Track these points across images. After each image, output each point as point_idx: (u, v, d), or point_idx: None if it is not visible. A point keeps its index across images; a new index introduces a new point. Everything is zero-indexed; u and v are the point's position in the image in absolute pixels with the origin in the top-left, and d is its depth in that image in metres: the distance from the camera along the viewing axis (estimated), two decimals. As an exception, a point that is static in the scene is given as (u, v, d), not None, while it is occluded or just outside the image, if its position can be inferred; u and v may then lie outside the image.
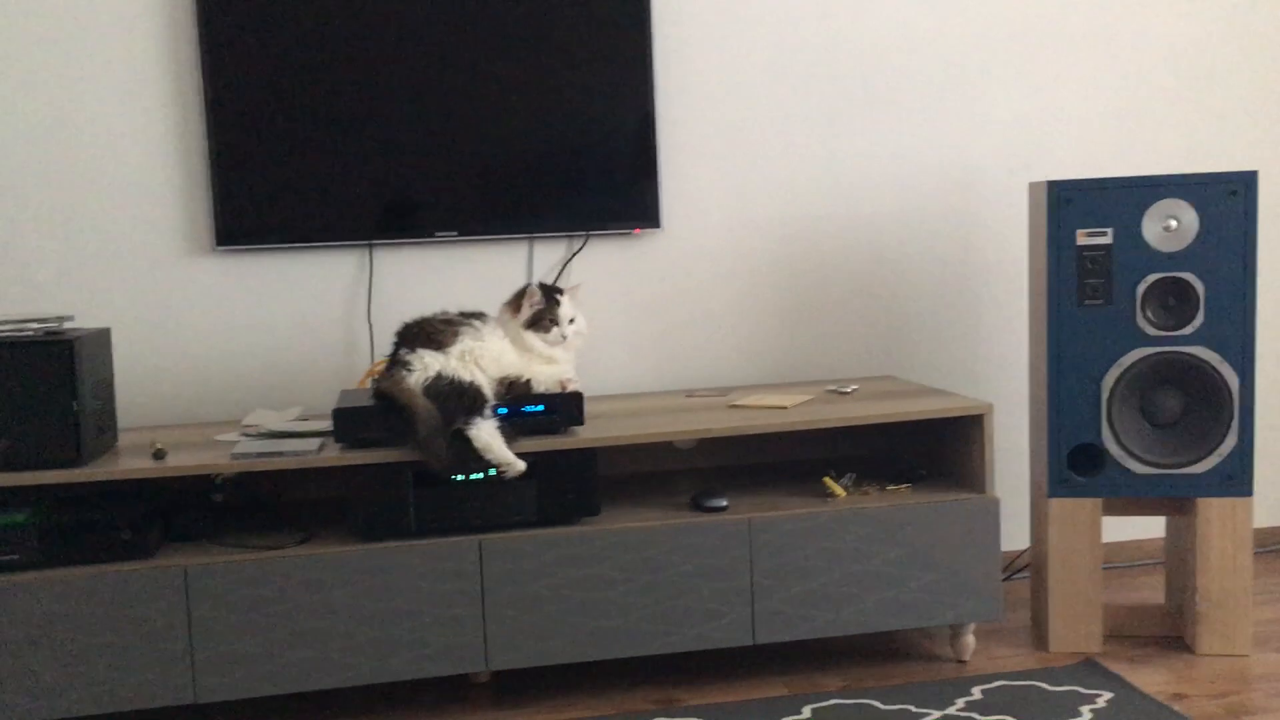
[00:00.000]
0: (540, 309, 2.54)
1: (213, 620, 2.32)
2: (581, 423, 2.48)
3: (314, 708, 2.53)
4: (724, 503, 2.56)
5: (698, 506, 2.56)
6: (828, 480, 2.65)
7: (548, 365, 2.53)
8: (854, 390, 2.86)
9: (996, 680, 2.53)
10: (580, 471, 2.46)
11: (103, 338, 2.50)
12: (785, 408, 2.66)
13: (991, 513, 2.59)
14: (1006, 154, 3.19)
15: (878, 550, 2.54)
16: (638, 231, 3.01)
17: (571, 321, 2.56)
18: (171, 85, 2.81)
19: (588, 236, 2.99)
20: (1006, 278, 3.22)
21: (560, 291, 2.58)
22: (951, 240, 3.19)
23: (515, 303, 2.57)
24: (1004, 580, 2.97)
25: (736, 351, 3.11)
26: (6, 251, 2.77)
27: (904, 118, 3.14)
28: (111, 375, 2.54)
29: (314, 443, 2.43)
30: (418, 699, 2.56)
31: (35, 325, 2.37)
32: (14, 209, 2.77)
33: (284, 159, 2.81)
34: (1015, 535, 3.17)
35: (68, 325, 2.44)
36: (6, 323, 2.37)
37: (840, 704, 2.45)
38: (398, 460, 2.37)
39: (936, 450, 2.80)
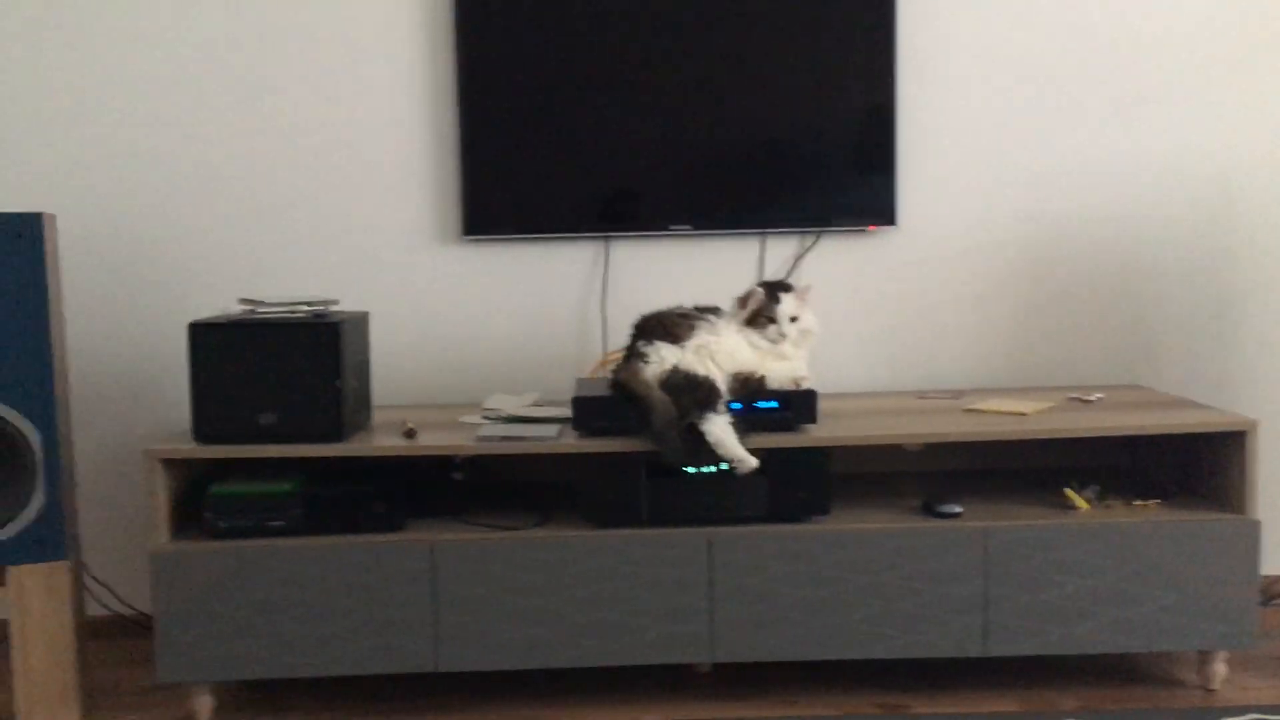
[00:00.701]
0: (759, 306, 2.53)
1: (455, 593, 2.43)
2: (815, 421, 2.47)
3: (539, 684, 2.62)
4: (958, 509, 2.50)
5: (930, 511, 2.51)
6: (1070, 491, 2.54)
7: (781, 362, 2.52)
8: (1099, 399, 2.73)
9: (1249, 713, 2.38)
10: (812, 470, 2.45)
11: (362, 321, 2.65)
12: (1025, 414, 2.57)
13: (1251, 535, 2.43)
14: (1274, 155, 2.97)
15: (1121, 567, 2.42)
16: (872, 229, 2.96)
17: (794, 320, 2.53)
18: (427, 88, 2.94)
19: (820, 233, 2.97)
20: (1270, 287, 3.00)
21: (786, 289, 2.56)
22: (1209, 244, 2.99)
23: (744, 299, 2.58)
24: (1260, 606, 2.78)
25: (971, 353, 3.02)
26: (280, 240, 2.97)
27: (1161, 113, 2.97)
28: (369, 356, 2.70)
29: (553, 428, 2.51)
30: (639, 684, 2.60)
31: (304, 308, 2.54)
32: (287, 202, 2.97)
33: (527, 154, 2.92)
34: (1268, 559, 2.95)
35: (333, 309, 2.60)
36: (279, 305, 2.55)
37: (1077, 725, 2.36)
38: (633, 450, 2.42)
39: (1187, 466, 2.64)
